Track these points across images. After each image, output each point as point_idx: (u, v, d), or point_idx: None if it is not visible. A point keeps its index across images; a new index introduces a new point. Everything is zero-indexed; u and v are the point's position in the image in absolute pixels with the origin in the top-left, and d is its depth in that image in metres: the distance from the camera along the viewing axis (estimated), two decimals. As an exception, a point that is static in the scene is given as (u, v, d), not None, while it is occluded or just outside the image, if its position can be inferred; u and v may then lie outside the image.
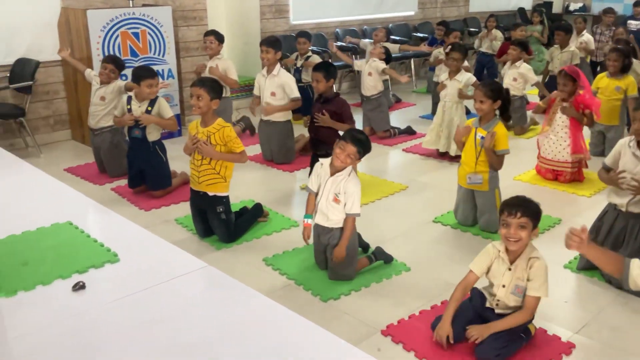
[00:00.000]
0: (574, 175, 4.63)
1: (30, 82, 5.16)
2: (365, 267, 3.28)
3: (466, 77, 5.14)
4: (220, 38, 5.54)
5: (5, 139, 5.36)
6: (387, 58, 5.99)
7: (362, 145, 3.09)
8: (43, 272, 2.57)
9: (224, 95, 4.49)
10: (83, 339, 2.17)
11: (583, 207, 4.25)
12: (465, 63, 5.57)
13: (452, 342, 2.55)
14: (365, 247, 3.45)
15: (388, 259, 3.35)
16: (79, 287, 2.44)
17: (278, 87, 4.97)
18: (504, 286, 2.57)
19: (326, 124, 4.21)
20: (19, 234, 2.98)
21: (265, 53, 4.97)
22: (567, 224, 3.88)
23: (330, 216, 3.10)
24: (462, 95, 5.08)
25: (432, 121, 5.55)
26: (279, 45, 5.06)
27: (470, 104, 5.73)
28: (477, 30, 9.58)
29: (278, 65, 5.04)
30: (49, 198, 3.51)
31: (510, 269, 2.56)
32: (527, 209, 2.51)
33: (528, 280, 2.53)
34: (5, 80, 5.26)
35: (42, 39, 5.44)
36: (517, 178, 4.75)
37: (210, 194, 3.57)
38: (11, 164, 4.09)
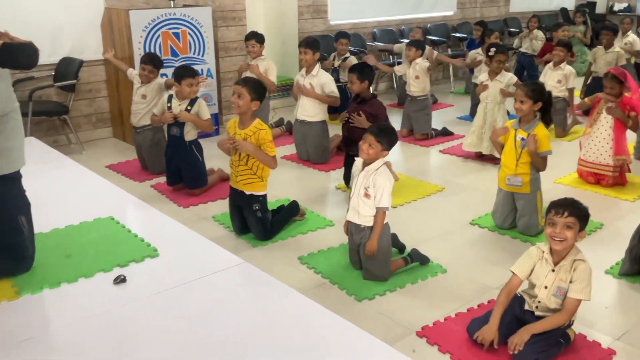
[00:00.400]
0: (616, 179, 4.51)
1: (74, 81, 5.30)
2: (401, 269, 3.26)
3: (507, 77, 5.06)
4: (260, 40, 5.62)
5: (49, 136, 5.52)
6: (422, 49, 5.97)
7: (382, 132, 3.08)
8: (85, 265, 2.65)
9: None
10: (123, 331, 2.22)
11: (626, 212, 4.13)
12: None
13: (496, 347, 2.52)
14: (401, 248, 3.43)
15: (424, 261, 3.32)
16: (120, 280, 2.50)
17: (317, 87, 4.99)
18: (546, 287, 2.53)
19: (361, 126, 4.19)
20: (62, 227, 3.07)
21: (304, 54, 5.00)
22: (610, 229, 3.82)
23: (361, 212, 3.09)
24: (505, 93, 5.00)
25: (470, 122, 5.49)
26: (317, 46, 5.08)
27: (510, 105, 5.66)
28: (517, 30, 9.42)
29: (317, 66, 5.06)
30: (91, 194, 3.61)
31: (553, 270, 2.52)
32: (574, 209, 2.47)
33: (571, 282, 2.48)
34: (50, 78, 5.41)
35: (86, 38, 5.58)
36: (557, 181, 4.65)
37: (247, 192, 3.60)
38: (55, 160, 4.23)
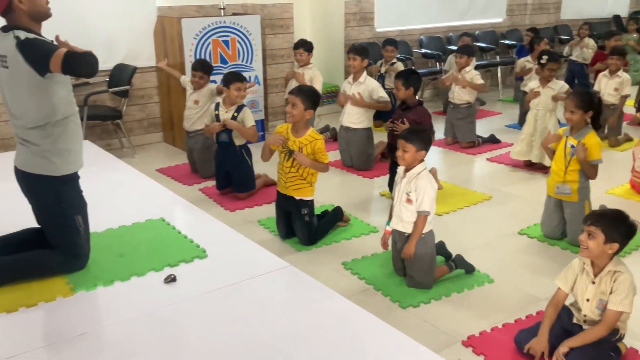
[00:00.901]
0: (672, 190, 4.35)
1: (128, 87, 5.47)
2: (445, 275, 3.23)
3: (559, 85, 4.96)
4: (308, 48, 5.70)
5: (102, 139, 5.71)
6: (472, 55, 5.93)
7: (411, 134, 3.07)
8: (138, 264, 2.74)
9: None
10: (171, 329, 2.29)
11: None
12: None
13: (546, 359, 2.48)
14: (448, 257, 3.39)
15: (469, 269, 3.28)
16: (171, 279, 2.58)
17: (365, 93, 5.01)
18: (588, 300, 2.48)
19: None
20: (115, 227, 3.19)
21: (353, 60, 5.03)
22: (665, 242, 3.68)
23: (404, 218, 3.08)
24: (558, 97, 4.90)
25: (518, 131, 5.39)
26: (366, 53, 5.11)
27: (561, 113, 5.53)
28: (568, 38, 9.21)
29: (364, 73, 5.09)
30: (143, 195, 3.73)
31: (594, 283, 2.47)
32: (600, 219, 2.43)
33: (610, 293, 2.41)
34: (105, 84, 5.61)
35: (139, 46, 5.76)
36: (609, 192, 4.52)
37: (297, 197, 3.65)
38: (109, 163, 4.38)
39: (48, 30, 2.58)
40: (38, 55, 2.38)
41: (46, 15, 2.53)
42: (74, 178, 2.68)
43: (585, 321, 2.51)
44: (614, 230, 2.42)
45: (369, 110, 5.09)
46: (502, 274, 3.30)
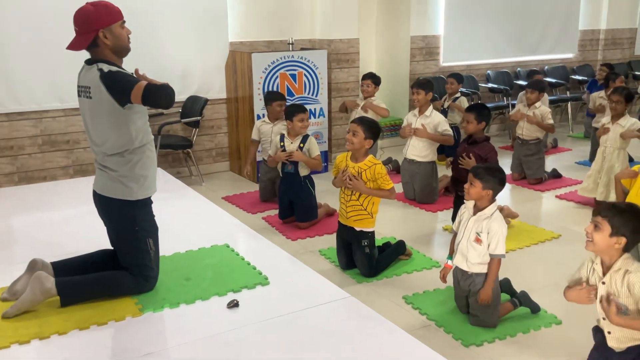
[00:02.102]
0: None
1: (199, 118, 5.70)
2: (509, 313, 3.14)
3: (631, 122, 4.79)
4: (376, 81, 5.79)
5: (173, 167, 5.94)
6: (543, 91, 5.83)
7: (483, 171, 3.01)
8: (203, 288, 2.81)
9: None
10: (233, 354, 2.32)
11: None
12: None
13: None
14: (513, 294, 3.29)
15: (535, 308, 3.17)
16: (234, 305, 2.63)
17: (430, 127, 5.01)
18: (601, 302, 2.34)
19: (469, 168, 4.12)
20: (183, 252, 3.29)
21: (416, 94, 5.06)
22: None
23: (470, 258, 3.01)
24: (627, 134, 4.73)
25: (588, 167, 5.22)
26: (430, 87, 5.13)
27: (634, 149, 5.32)
28: (644, 73, 8.90)
29: (431, 107, 5.09)
30: (209, 222, 3.84)
31: (604, 283, 2.33)
32: (608, 210, 2.29)
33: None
34: (177, 115, 5.86)
35: (211, 79, 6.01)
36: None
37: (357, 229, 3.66)
38: (178, 190, 4.55)
39: (127, 63, 2.75)
40: (120, 86, 2.53)
41: (127, 50, 2.70)
42: (147, 203, 2.81)
43: (609, 332, 2.38)
44: (622, 223, 2.26)
45: (433, 144, 5.07)
46: (571, 315, 3.16)
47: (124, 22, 2.66)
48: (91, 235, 3.24)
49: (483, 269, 3.02)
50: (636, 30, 9.30)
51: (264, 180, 5.15)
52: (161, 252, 2.94)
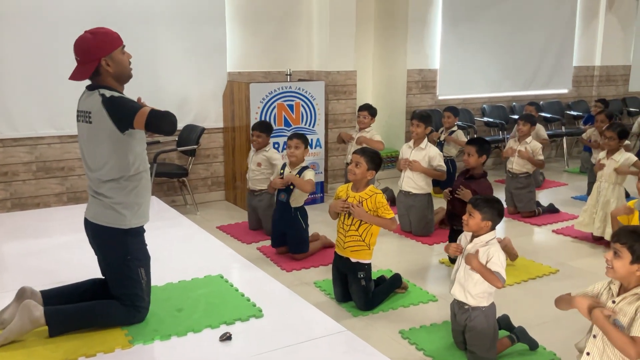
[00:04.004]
0: None
1: (195, 146, 5.69)
2: (508, 350, 3.08)
3: (625, 157, 4.81)
4: (372, 113, 5.83)
5: (168, 196, 5.90)
6: (534, 124, 5.89)
7: (482, 202, 2.99)
8: (195, 320, 2.75)
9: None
10: (226, 388, 2.25)
11: None
12: (627, 142, 5.23)
13: None
14: (511, 330, 3.23)
15: (533, 345, 3.11)
16: (226, 337, 2.56)
17: (424, 159, 5.01)
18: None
19: (465, 199, 4.10)
20: (175, 282, 3.23)
21: (416, 127, 5.06)
22: None
23: (469, 288, 2.96)
24: (621, 170, 4.74)
25: (585, 202, 5.22)
26: (430, 121, 5.16)
27: (629, 185, 5.32)
28: (637, 110, 8.99)
29: (426, 140, 5.10)
30: (203, 252, 3.79)
31: (614, 302, 2.29)
32: (628, 236, 2.27)
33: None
34: (174, 143, 5.85)
35: (208, 108, 6.02)
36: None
37: (354, 260, 3.61)
38: (173, 219, 4.50)
39: (125, 90, 2.74)
40: (122, 111, 2.52)
41: (129, 76, 2.69)
42: (140, 232, 2.76)
43: (594, 336, 2.32)
44: None
45: (429, 177, 5.06)
46: (570, 353, 3.10)
47: (124, 46, 2.66)
48: (82, 264, 3.18)
49: (482, 302, 2.97)
50: (630, 67, 9.43)
51: (249, 208, 5.18)
52: (153, 282, 2.89)
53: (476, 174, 4.28)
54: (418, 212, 5.07)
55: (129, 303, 2.69)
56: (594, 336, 2.33)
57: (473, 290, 2.96)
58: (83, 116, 2.64)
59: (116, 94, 2.59)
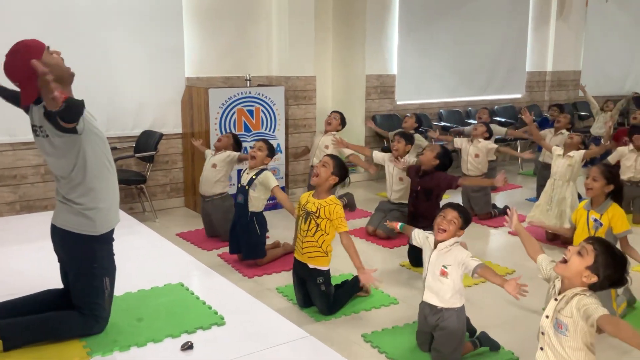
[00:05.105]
0: (702, 270, 4.24)
1: (153, 153, 5.60)
2: (469, 353, 3.13)
3: (579, 154, 5.02)
4: (344, 122, 5.95)
5: (125, 203, 5.78)
6: (490, 132, 6.08)
7: (464, 211, 3.07)
8: (155, 330, 2.71)
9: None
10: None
11: None
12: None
13: None
14: (472, 332, 3.29)
15: (495, 347, 3.18)
16: (187, 347, 2.53)
17: (404, 172, 5.08)
18: (547, 317, 2.33)
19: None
20: (134, 291, 3.17)
21: (397, 143, 5.10)
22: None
23: (441, 293, 3.00)
24: (588, 153, 5.03)
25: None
26: (411, 141, 5.24)
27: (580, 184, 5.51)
28: (587, 114, 9.31)
29: (407, 156, 5.14)
30: (162, 260, 3.73)
31: (556, 299, 2.32)
32: (601, 245, 2.28)
33: (586, 317, 2.19)
34: (131, 149, 5.75)
35: (167, 113, 5.94)
36: (635, 269, 4.41)
37: (311, 266, 3.62)
38: (130, 227, 4.42)
39: (81, 95, 2.66)
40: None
41: (70, 75, 2.57)
42: (109, 240, 2.73)
43: (543, 333, 2.36)
44: (605, 265, 2.23)
45: (408, 188, 5.10)
46: (528, 352, 3.17)
47: (49, 47, 2.54)
48: (37, 274, 3.10)
49: (455, 304, 3.01)
50: (580, 73, 9.77)
51: (203, 215, 5.16)
52: (112, 292, 2.83)
53: (427, 169, 4.40)
54: (395, 215, 5.13)
55: (89, 313, 2.64)
56: (542, 333, 2.38)
57: (446, 295, 3.00)
58: (39, 131, 2.57)
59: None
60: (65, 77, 2.55)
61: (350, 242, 3.54)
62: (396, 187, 5.16)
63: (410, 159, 5.12)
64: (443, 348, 3.02)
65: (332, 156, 3.76)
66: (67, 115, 2.34)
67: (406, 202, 5.05)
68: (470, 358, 3.10)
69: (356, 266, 3.50)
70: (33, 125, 2.60)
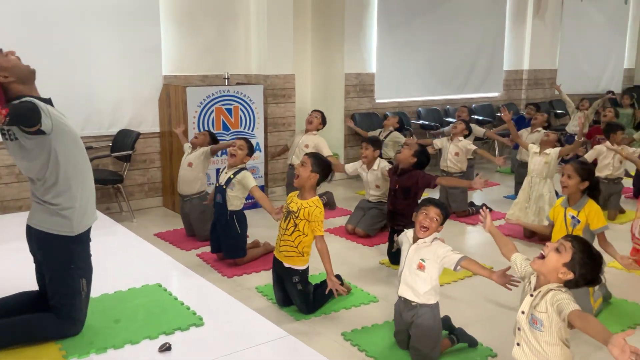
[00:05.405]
0: (674, 265, 4.32)
1: (130, 152, 5.53)
2: (447, 349, 3.15)
3: (554, 151, 5.10)
4: (324, 121, 5.94)
5: (102, 203, 5.71)
6: (469, 130, 6.16)
7: (445, 207, 3.10)
8: (132, 331, 2.67)
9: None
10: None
11: (687, 300, 3.93)
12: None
13: None
14: (451, 330, 3.31)
15: (472, 343, 3.21)
16: (165, 348, 2.51)
17: (381, 179, 5.10)
18: (523, 312, 2.36)
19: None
20: (111, 293, 3.13)
21: (365, 150, 5.12)
22: (671, 317, 3.62)
23: (417, 287, 3.01)
24: (563, 150, 5.11)
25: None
26: (378, 145, 5.27)
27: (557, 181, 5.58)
28: (563, 112, 9.44)
29: (377, 160, 5.15)
30: (140, 260, 3.69)
31: (532, 295, 2.35)
32: (579, 243, 2.30)
33: (559, 312, 2.22)
34: (108, 149, 5.67)
35: (144, 112, 5.87)
36: (611, 265, 4.48)
37: (286, 265, 3.61)
38: (107, 227, 4.36)
39: (58, 98, 2.62)
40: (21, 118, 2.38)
41: (31, 72, 2.53)
42: (86, 240, 2.69)
43: (519, 329, 2.38)
44: (581, 263, 2.26)
45: (386, 186, 5.11)
46: (506, 348, 3.20)
47: (1, 49, 2.50)
48: (10, 276, 3.04)
49: (430, 300, 3.03)
50: (556, 71, 9.90)
51: (182, 214, 5.13)
52: (89, 294, 2.79)
53: (406, 167, 4.41)
54: (374, 212, 5.15)
55: (65, 314, 2.60)
56: (519, 329, 2.40)
57: (421, 289, 3.01)
58: (7, 134, 2.52)
59: (16, 101, 2.44)
60: (26, 75, 2.52)
61: (324, 247, 3.55)
62: (373, 192, 5.18)
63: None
64: (421, 346, 3.03)
65: (310, 154, 3.76)
66: (18, 123, 2.31)
67: (385, 200, 5.06)
68: (448, 354, 3.12)
69: (327, 271, 3.53)
70: (1, 129, 2.54)
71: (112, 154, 5.58)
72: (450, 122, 7.52)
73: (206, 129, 5.62)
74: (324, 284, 3.82)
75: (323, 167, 3.68)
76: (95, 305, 2.89)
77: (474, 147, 5.96)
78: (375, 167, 5.14)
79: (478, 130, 6.93)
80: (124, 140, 5.60)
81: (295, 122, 6.62)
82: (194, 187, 4.94)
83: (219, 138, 5.38)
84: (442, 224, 3.09)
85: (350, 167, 5.31)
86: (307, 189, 3.63)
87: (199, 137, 5.07)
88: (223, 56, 6.31)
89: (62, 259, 2.59)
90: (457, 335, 3.21)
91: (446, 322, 3.29)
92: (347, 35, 7.27)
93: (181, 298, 3.05)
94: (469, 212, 5.81)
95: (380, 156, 5.31)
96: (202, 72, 6.22)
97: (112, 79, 5.63)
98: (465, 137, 6.06)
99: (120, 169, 5.68)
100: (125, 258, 3.73)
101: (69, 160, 2.54)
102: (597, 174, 5.05)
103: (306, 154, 3.77)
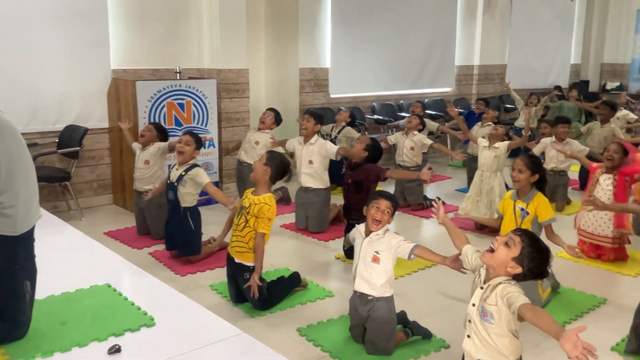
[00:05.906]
0: (617, 254, 4.49)
1: (78, 148, 5.36)
2: (402, 342, 3.18)
3: (503, 145, 5.23)
4: (278, 120, 5.89)
5: (48, 202, 5.51)
6: (423, 124, 6.23)
7: (394, 200, 3.15)
8: (80, 334, 2.59)
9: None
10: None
11: (628, 287, 4.09)
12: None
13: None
14: (405, 322, 3.34)
15: (426, 335, 3.25)
16: (115, 350, 2.44)
17: (316, 155, 5.06)
18: (473, 305, 2.39)
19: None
20: (58, 294, 3.02)
21: (307, 122, 5.11)
22: (613, 304, 3.76)
23: (373, 280, 3.02)
24: (512, 144, 5.25)
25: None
26: (321, 120, 5.27)
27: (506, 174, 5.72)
28: (512, 107, 9.67)
29: (316, 136, 5.15)
30: (88, 260, 3.57)
31: (482, 288, 2.38)
32: (528, 237, 2.32)
33: (508, 305, 2.24)
34: (54, 145, 5.48)
35: (92, 107, 5.69)
36: (559, 255, 4.61)
37: (237, 260, 3.58)
38: (54, 226, 4.21)
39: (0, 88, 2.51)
40: None
41: None
42: (30, 239, 2.58)
43: (470, 321, 2.40)
44: (530, 258, 2.28)
45: (325, 170, 5.13)
46: (459, 339, 3.24)
47: None
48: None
49: (385, 292, 3.04)
50: (506, 67, 10.13)
51: (136, 211, 4.99)
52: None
53: (358, 161, 4.44)
54: (316, 208, 5.12)
55: (9, 317, 2.50)
56: (469, 321, 2.44)
57: (378, 282, 3.02)
58: None
59: None
60: None
61: (261, 245, 3.55)
62: (305, 170, 5.12)
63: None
64: (377, 339, 3.05)
65: (270, 152, 3.79)
66: None
67: (318, 187, 5.07)
68: (403, 347, 3.15)
69: (255, 268, 3.54)
70: None
71: (59, 151, 5.39)
72: (404, 117, 7.59)
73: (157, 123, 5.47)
74: (281, 281, 3.81)
75: (277, 163, 3.66)
76: (40, 308, 2.78)
77: (429, 141, 6.03)
78: (312, 141, 5.12)
79: (431, 124, 7.02)
80: (71, 136, 5.42)
81: (249, 117, 6.54)
82: (152, 183, 4.81)
83: (171, 134, 5.27)
84: (392, 215, 3.11)
85: (289, 145, 5.33)
86: (261, 185, 3.62)
87: (145, 134, 4.90)
88: (174, 50, 6.18)
89: (5, 260, 2.48)
90: (412, 329, 3.24)
91: (401, 316, 3.32)
92: (302, 29, 7.24)
93: (131, 298, 2.97)
94: (423, 206, 5.89)
95: (320, 134, 5.32)
96: (153, 65, 6.08)
97: (57, 74, 5.43)
98: (419, 131, 6.13)
99: (67, 165, 5.50)
100: (72, 258, 3.60)
101: (10, 156, 2.43)
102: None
103: (267, 151, 3.78)
